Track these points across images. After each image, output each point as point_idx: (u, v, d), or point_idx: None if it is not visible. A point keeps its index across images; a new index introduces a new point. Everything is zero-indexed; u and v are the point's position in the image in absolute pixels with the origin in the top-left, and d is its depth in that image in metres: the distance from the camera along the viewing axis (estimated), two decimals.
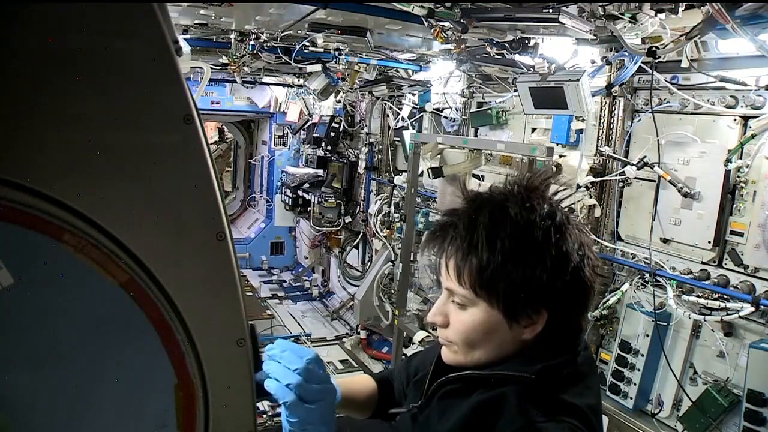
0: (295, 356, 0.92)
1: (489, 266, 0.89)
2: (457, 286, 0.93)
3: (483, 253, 0.89)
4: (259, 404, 3.66)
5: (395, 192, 4.89)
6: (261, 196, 7.25)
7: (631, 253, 2.74)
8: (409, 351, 3.95)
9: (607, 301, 2.79)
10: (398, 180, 4.76)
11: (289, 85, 6.00)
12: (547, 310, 0.92)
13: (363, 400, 1.28)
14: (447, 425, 0.95)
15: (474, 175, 3.61)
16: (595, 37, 2.25)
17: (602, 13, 1.92)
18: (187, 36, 3.25)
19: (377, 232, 4.97)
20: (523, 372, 0.92)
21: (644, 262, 2.65)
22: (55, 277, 0.69)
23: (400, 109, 4.79)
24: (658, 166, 2.57)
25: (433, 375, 1.06)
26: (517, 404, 0.89)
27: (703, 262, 2.45)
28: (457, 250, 0.93)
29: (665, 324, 2.56)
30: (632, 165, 2.65)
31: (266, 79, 5.43)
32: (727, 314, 2.26)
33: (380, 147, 5.29)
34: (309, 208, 6.05)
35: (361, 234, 5.70)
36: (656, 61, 2.30)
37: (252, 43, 3.24)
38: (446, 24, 2.17)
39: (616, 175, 2.75)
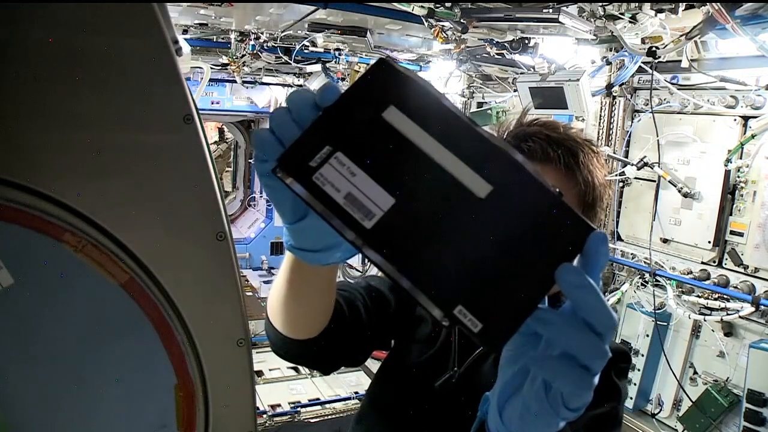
0: None
1: (595, 186, 1.00)
2: (574, 203, 0.96)
3: (590, 176, 0.99)
4: (259, 404, 3.62)
5: None
6: (261, 196, 7.25)
7: (631, 253, 2.74)
8: None
9: (607, 301, 2.78)
10: None
11: (289, 85, 5.99)
12: None
13: (325, 300, 0.89)
14: None
15: None
16: (595, 37, 2.25)
17: (602, 13, 1.93)
18: (187, 36, 3.24)
19: None
20: None
21: (644, 262, 2.65)
22: (55, 277, 0.69)
23: None
24: (658, 166, 2.57)
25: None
26: None
27: (703, 262, 2.45)
28: (577, 167, 0.99)
29: (665, 324, 2.56)
30: (632, 165, 2.65)
31: (266, 79, 5.43)
32: (727, 314, 2.26)
33: None
34: None
35: None
36: (656, 61, 2.30)
37: (252, 43, 3.23)
38: (446, 24, 2.17)
39: (616, 175, 2.75)
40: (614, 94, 2.74)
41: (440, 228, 0.48)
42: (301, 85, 5.70)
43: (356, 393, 3.63)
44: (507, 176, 0.49)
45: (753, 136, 2.21)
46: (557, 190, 0.48)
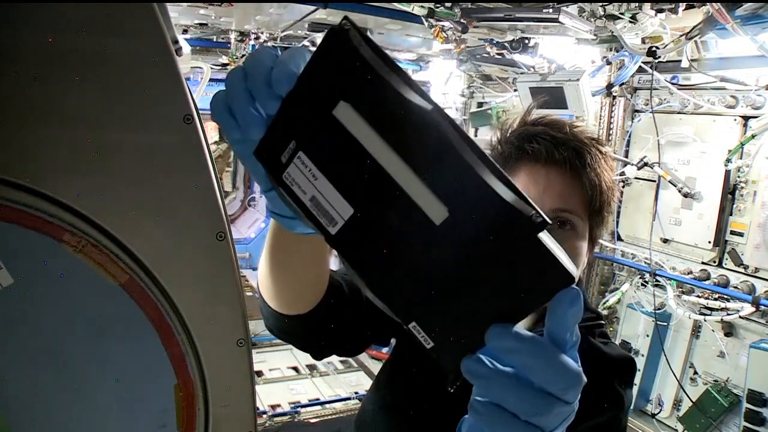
0: None
1: (603, 191, 0.95)
2: (580, 208, 0.93)
3: (597, 179, 0.94)
4: (259, 404, 3.62)
5: None
6: (261, 197, 7.25)
7: (631, 253, 2.74)
8: None
9: (607, 301, 2.79)
10: None
11: None
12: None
13: (315, 273, 0.87)
14: None
15: None
16: (595, 37, 2.25)
17: (602, 13, 1.93)
18: (187, 36, 3.24)
19: None
20: (589, 318, 1.00)
21: (644, 262, 2.65)
22: (55, 277, 0.69)
23: None
24: (658, 166, 2.57)
25: None
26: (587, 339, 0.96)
27: (703, 262, 2.45)
28: (583, 170, 0.93)
29: (665, 324, 2.56)
30: (632, 165, 2.65)
31: None
32: (728, 314, 2.26)
33: None
34: None
35: None
36: (656, 61, 2.30)
37: (252, 43, 3.23)
38: (446, 24, 2.17)
39: (616, 175, 2.75)
40: (614, 94, 2.74)
41: (395, 246, 0.44)
42: None
43: (356, 393, 3.63)
44: (470, 201, 0.39)
45: (753, 136, 2.21)
46: (540, 219, 0.38)
